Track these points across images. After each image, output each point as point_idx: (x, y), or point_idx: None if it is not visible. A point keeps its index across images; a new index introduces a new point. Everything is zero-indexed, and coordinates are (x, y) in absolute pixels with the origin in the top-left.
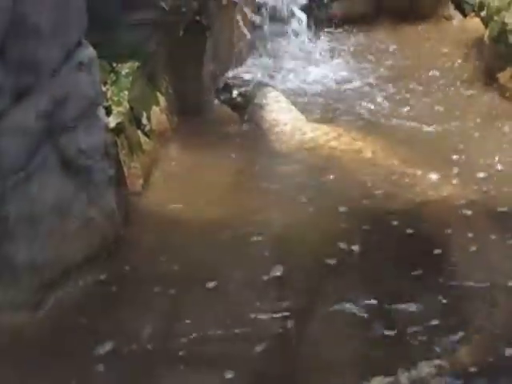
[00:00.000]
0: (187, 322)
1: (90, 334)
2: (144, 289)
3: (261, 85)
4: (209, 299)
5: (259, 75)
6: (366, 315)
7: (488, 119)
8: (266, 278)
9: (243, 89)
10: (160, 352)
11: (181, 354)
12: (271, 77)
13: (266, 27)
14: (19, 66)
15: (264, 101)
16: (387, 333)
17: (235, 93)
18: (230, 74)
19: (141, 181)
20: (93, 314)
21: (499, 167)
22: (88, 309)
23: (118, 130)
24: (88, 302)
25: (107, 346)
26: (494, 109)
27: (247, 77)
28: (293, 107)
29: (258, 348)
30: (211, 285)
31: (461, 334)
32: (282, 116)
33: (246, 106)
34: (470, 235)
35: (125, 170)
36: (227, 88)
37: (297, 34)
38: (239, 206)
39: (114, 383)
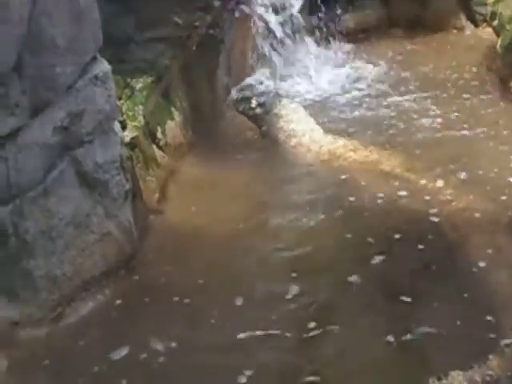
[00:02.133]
0: (204, 335)
1: (107, 347)
2: (161, 303)
3: (279, 96)
4: (227, 313)
5: (275, 86)
6: (390, 324)
7: (501, 128)
8: (286, 292)
9: (262, 99)
10: (173, 364)
11: (197, 365)
12: (285, 87)
13: (279, 37)
14: (36, 81)
15: (283, 111)
16: (415, 342)
17: (254, 103)
18: (245, 85)
19: (157, 195)
20: (111, 328)
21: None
22: (106, 322)
23: (133, 144)
24: (106, 315)
25: (122, 357)
26: (507, 118)
27: (264, 88)
28: (311, 118)
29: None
30: (230, 299)
31: (490, 346)
32: (299, 127)
33: (264, 117)
34: (491, 247)
35: (140, 184)
36: (245, 98)
37: (309, 45)
38: (256, 221)
39: None
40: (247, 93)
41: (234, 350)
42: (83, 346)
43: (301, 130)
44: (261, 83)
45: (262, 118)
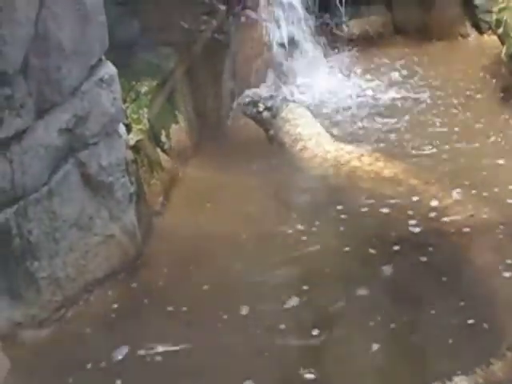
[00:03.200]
0: (203, 336)
1: (110, 349)
2: (164, 306)
3: (287, 100)
4: (230, 318)
5: (282, 91)
6: (394, 328)
7: (505, 137)
8: (290, 301)
9: (269, 103)
10: (173, 367)
11: (197, 366)
12: (291, 93)
13: (284, 44)
14: (42, 82)
15: (290, 115)
16: (418, 347)
17: (261, 107)
18: (252, 90)
19: (161, 198)
20: (114, 329)
21: None
22: (109, 324)
23: (138, 147)
24: (109, 317)
25: (124, 358)
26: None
27: (271, 92)
28: (317, 123)
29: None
30: (233, 305)
31: (493, 349)
32: (306, 131)
33: (271, 121)
34: (495, 254)
35: (145, 187)
36: (253, 102)
37: (315, 51)
38: (259, 227)
39: None
40: (255, 96)
41: (236, 354)
42: (86, 348)
43: (307, 134)
44: (269, 87)
45: (269, 122)
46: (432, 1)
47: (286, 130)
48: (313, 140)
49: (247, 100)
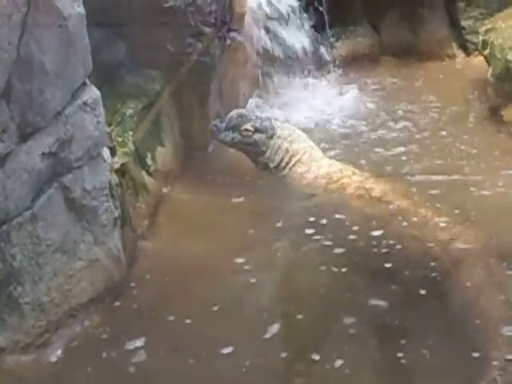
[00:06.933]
0: (187, 362)
1: (93, 374)
2: (149, 330)
3: (274, 119)
4: (213, 346)
5: (266, 113)
6: (380, 357)
7: (493, 157)
8: (271, 325)
9: (259, 124)
10: None
11: None
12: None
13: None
14: (25, 107)
15: (286, 132)
16: (407, 374)
17: (251, 129)
18: (234, 112)
19: (146, 221)
20: (97, 355)
21: (504, 209)
22: (93, 349)
23: (123, 170)
24: (93, 342)
25: None
26: (498, 147)
27: (254, 114)
28: (306, 137)
29: None
30: (217, 333)
31: (483, 374)
32: (301, 145)
33: (267, 142)
34: (481, 276)
35: (130, 210)
36: (232, 127)
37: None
38: (246, 252)
39: None
40: (234, 121)
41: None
42: (69, 372)
43: (302, 148)
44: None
45: (264, 144)
46: (420, 22)
47: (285, 148)
48: (307, 154)
49: (223, 126)
